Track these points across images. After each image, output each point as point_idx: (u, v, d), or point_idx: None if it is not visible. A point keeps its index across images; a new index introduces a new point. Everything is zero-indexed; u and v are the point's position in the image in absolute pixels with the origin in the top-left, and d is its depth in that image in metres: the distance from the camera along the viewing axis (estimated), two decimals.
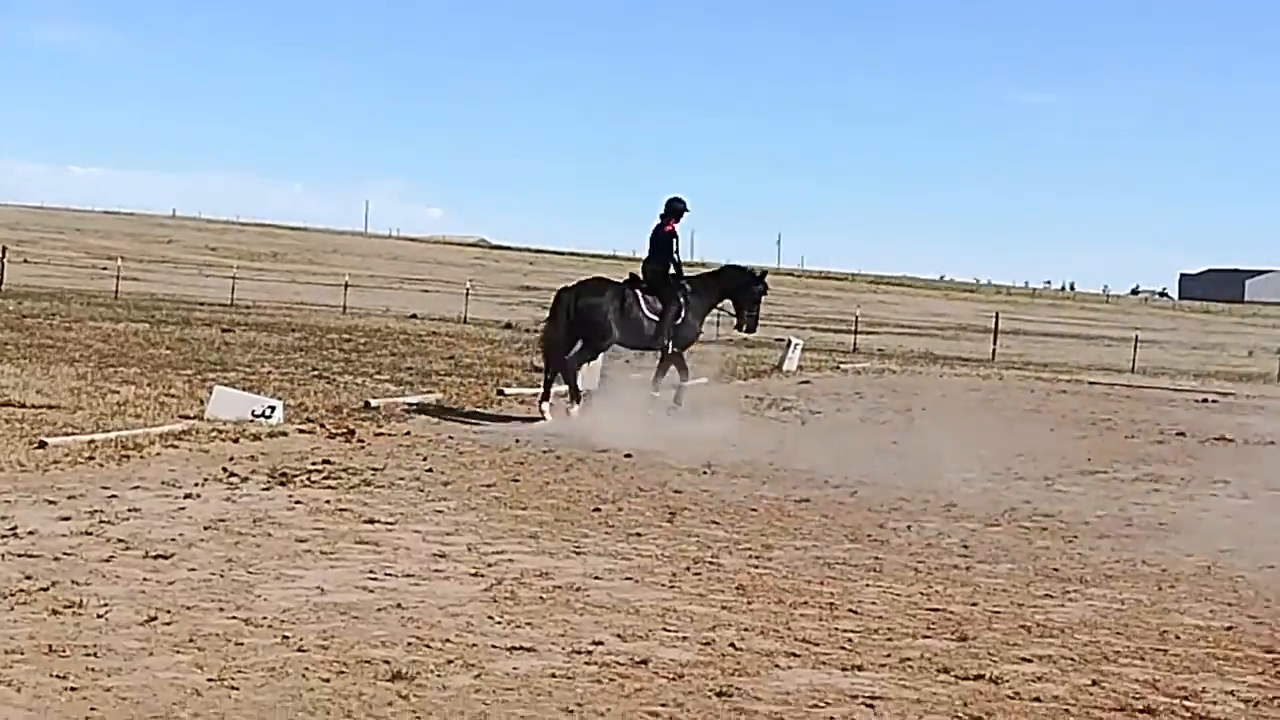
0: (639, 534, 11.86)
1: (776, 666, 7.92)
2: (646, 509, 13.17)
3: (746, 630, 8.71)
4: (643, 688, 7.36)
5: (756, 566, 10.75)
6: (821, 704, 7.23)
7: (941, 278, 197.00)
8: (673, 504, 13.53)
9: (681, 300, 20.86)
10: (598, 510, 12.93)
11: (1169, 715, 7.32)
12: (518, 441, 17.46)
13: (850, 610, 9.43)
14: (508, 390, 23.83)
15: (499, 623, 8.58)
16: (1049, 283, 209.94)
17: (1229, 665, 8.51)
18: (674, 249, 20.79)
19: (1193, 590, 10.76)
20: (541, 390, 20.69)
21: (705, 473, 15.80)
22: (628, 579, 10.04)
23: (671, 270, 20.82)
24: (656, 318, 20.69)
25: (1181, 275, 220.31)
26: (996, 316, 56.27)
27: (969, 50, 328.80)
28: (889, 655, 8.27)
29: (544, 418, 19.78)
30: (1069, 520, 13.91)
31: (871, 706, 7.22)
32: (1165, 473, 17.94)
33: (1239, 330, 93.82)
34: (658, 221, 20.99)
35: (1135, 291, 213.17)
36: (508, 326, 49.58)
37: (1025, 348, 58.39)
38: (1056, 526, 13.50)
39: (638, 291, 20.73)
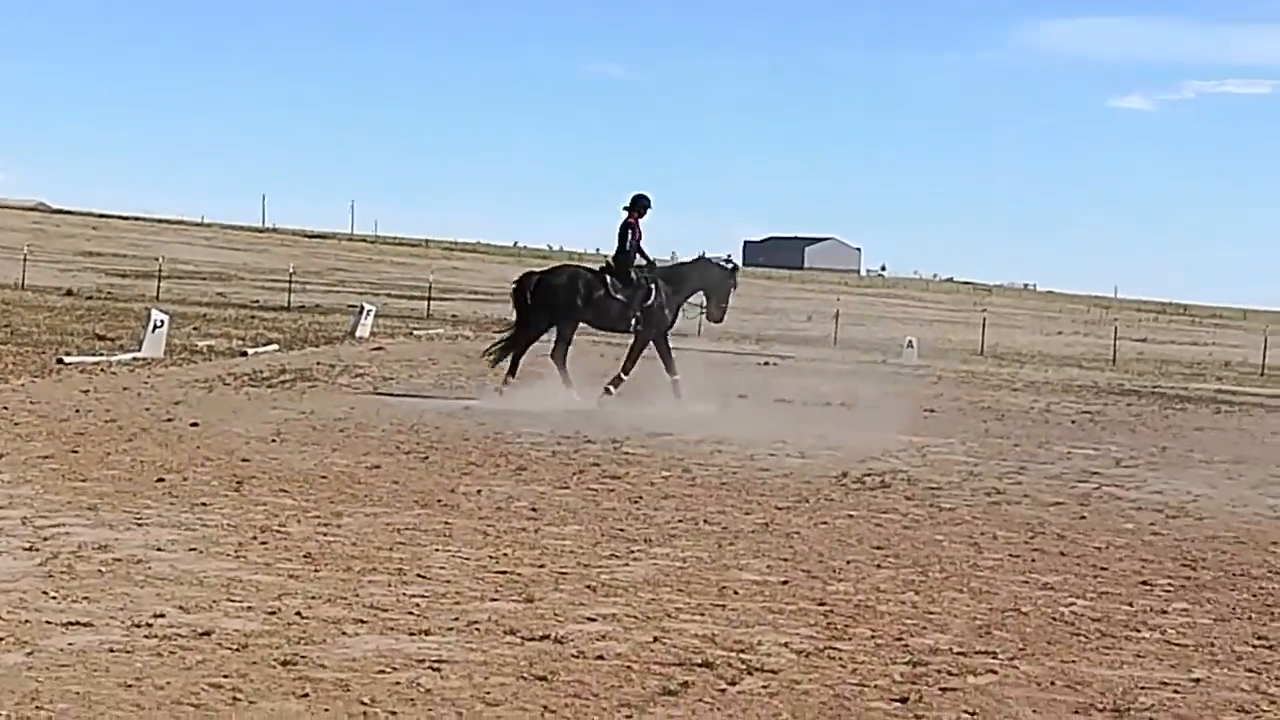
0: (204, 504, 11.59)
1: (343, 634, 7.86)
2: (213, 478, 12.88)
3: (313, 598, 8.61)
4: (205, 659, 7.20)
5: (325, 534, 10.64)
6: (388, 669, 7.21)
7: (515, 244, 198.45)
8: (240, 473, 13.27)
9: (649, 286, 22.27)
10: (161, 481, 12.57)
11: (726, 668, 7.57)
12: (77, 412, 16.83)
13: (419, 575, 9.44)
14: (68, 359, 22.97)
15: (54, 598, 8.26)
16: None
17: (783, 618, 8.85)
18: (627, 240, 22.20)
19: (751, 547, 11.15)
20: (507, 368, 22.26)
21: (274, 441, 15.56)
22: (192, 550, 9.80)
23: (638, 260, 22.31)
24: (624, 300, 22.19)
25: (745, 242, 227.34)
26: None
27: (539, 22, 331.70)
28: (456, 619, 8.31)
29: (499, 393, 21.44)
30: (635, 481, 14.24)
31: (438, 670, 7.24)
32: (728, 434, 18.51)
33: (800, 296, 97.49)
34: (623, 216, 22.41)
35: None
36: (69, 293, 47.73)
37: None
38: (623, 488, 13.79)
39: (606, 276, 22.28)
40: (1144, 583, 10.59)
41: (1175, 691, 7.63)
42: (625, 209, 22.39)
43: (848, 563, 10.72)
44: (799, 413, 22.54)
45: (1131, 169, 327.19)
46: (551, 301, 22.21)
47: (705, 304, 23.22)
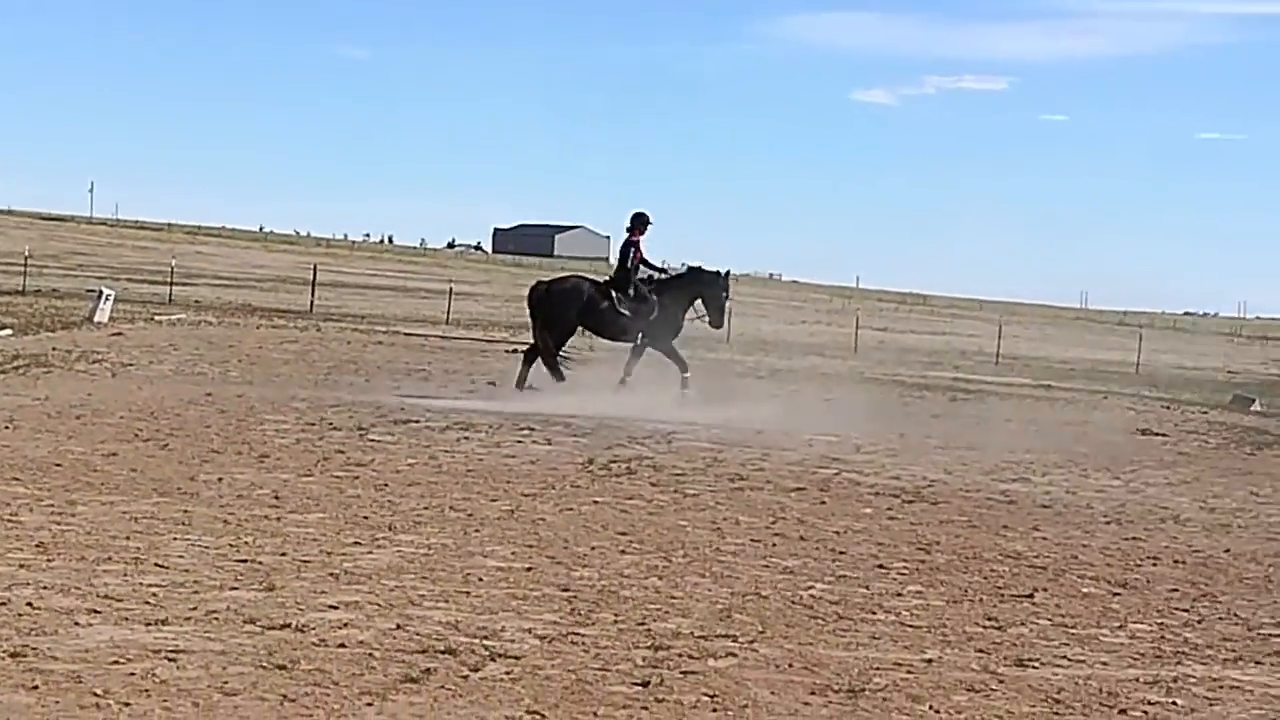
0: None
1: (76, 624, 7.66)
2: None
3: (45, 588, 8.37)
4: None
5: (59, 523, 10.34)
6: (122, 660, 7.04)
7: (261, 229, 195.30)
8: None
9: (653, 301, 23.19)
10: None
11: (469, 654, 7.55)
12: None
13: (156, 565, 9.23)
14: None
15: None
16: (368, 235, 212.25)
17: (527, 604, 8.87)
18: (628, 259, 23.24)
19: (496, 533, 11.14)
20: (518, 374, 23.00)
21: (7, 428, 15.08)
22: None
23: (641, 274, 23.27)
24: (629, 314, 23.06)
25: (495, 230, 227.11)
26: (315, 269, 56.28)
27: (285, 3, 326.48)
28: (194, 608, 8.15)
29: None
30: (380, 469, 14.12)
31: (174, 660, 7.10)
32: (476, 421, 18.46)
33: None
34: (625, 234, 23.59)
35: (451, 245, 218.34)
36: None
37: (344, 300, 58.80)
38: (369, 475, 13.66)
39: (611, 290, 23.18)
40: (880, 566, 10.84)
41: (909, 672, 7.83)
42: (627, 228, 23.52)
43: (592, 549, 10.78)
44: (548, 400, 22.57)
45: (874, 162, 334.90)
46: (550, 309, 23.14)
47: (705, 312, 24.06)
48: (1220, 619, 9.73)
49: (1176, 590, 10.63)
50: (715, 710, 6.92)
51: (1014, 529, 13.06)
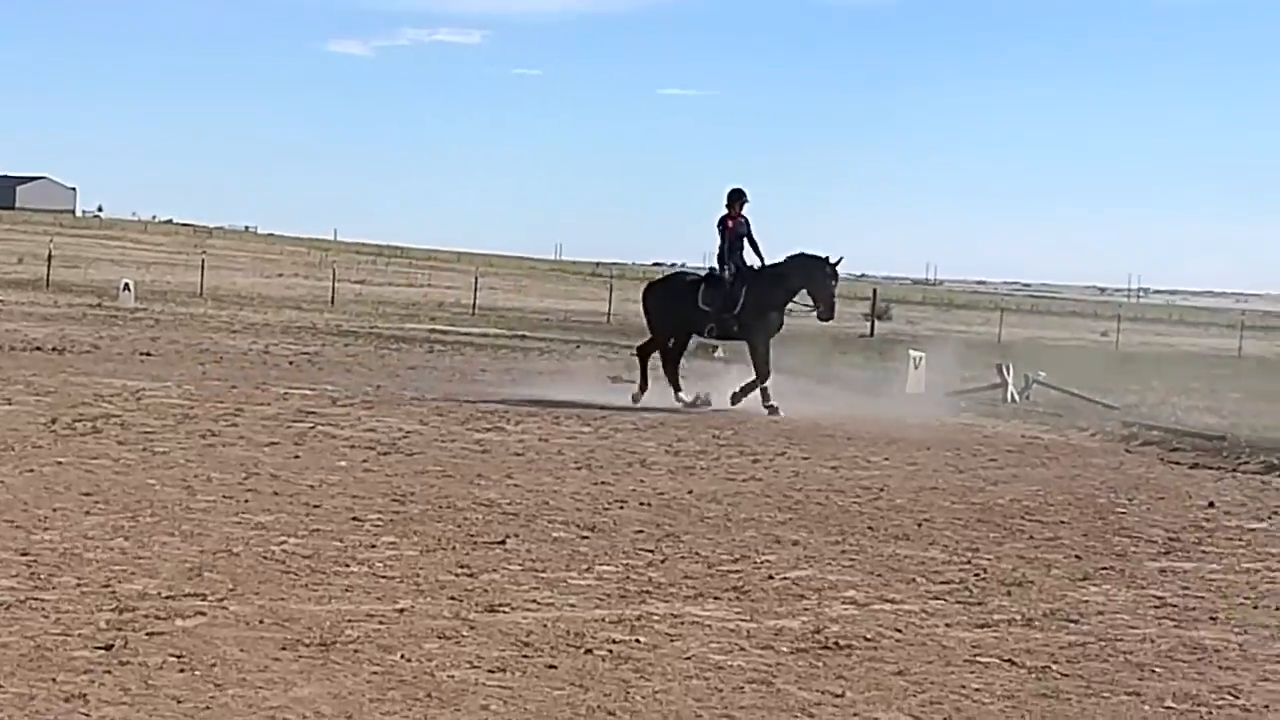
0: None
1: None
2: None
3: None
4: None
5: None
6: None
7: None
8: None
9: (737, 292, 20.64)
10: None
11: None
12: None
13: None
14: None
15: None
16: None
17: None
18: (722, 241, 20.76)
19: None
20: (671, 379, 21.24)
21: None
22: None
23: (735, 263, 20.79)
24: (707, 308, 20.82)
25: None
26: None
27: None
28: None
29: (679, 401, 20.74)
30: None
31: None
32: None
33: (9, 238, 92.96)
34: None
35: None
36: None
37: None
38: None
39: (701, 285, 20.97)
40: (355, 519, 10.81)
41: (381, 622, 7.84)
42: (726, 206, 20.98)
43: (55, 510, 10.35)
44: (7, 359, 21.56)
45: (350, 114, 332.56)
46: (651, 309, 22.09)
47: (813, 303, 21.05)
48: (683, 558, 10.13)
49: (642, 532, 11.00)
50: (182, 671, 6.76)
51: (488, 477, 13.25)
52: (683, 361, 21.90)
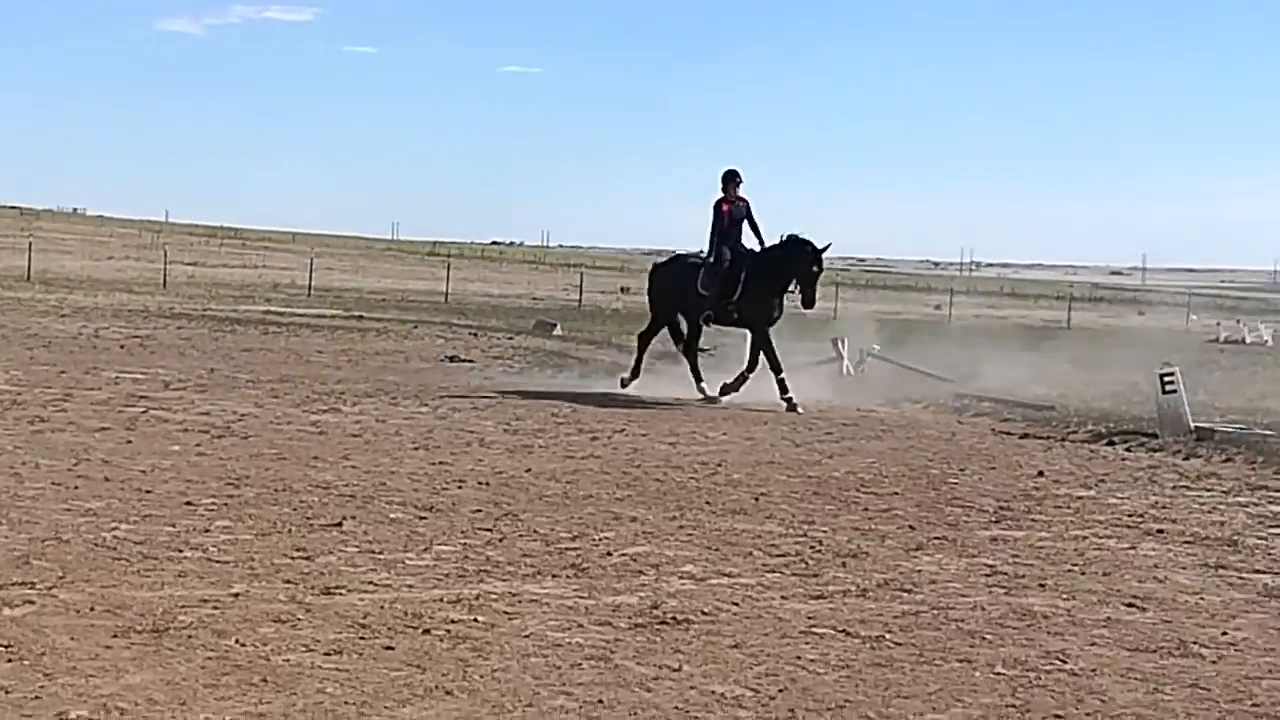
0: None
1: None
2: None
3: None
4: None
5: None
6: None
7: None
8: None
9: (733, 278, 19.84)
10: None
11: None
12: None
13: None
14: None
15: None
16: None
17: None
18: (714, 223, 19.98)
19: None
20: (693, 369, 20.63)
21: None
22: None
23: (728, 247, 20.02)
24: (704, 294, 20.03)
25: None
26: None
27: None
28: None
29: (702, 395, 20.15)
30: None
31: None
32: None
33: None
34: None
35: None
36: None
37: None
38: None
39: (701, 268, 20.12)
40: (189, 503, 10.66)
41: (215, 607, 7.74)
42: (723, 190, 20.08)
43: None
44: None
45: (181, 93, 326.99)
46: (653, 291, 21.75)
47: (799, 289, 19.85)
48: (521, 536, 10.12)
49: (480, 511, 10.97)
50: (11, 661, 6.63)
51: (324, 459, 13.13)
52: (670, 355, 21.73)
